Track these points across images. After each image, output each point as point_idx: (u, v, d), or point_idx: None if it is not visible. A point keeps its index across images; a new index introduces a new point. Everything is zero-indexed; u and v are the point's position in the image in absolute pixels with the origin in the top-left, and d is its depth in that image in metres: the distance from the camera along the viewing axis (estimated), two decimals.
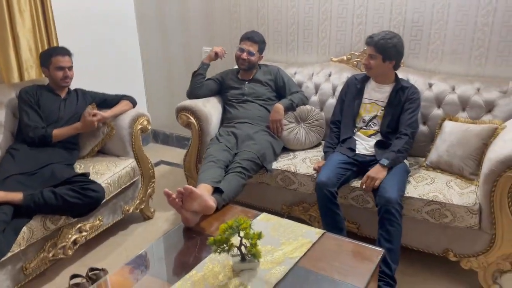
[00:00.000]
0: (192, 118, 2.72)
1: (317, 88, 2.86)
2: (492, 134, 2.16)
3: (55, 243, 2.18)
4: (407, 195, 2.10)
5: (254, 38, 2.77)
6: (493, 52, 2.47)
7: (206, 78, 2.90)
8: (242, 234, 1.54)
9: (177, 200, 1.81)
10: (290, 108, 2.67)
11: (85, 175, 2.23)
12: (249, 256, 1.58)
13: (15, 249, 1.93)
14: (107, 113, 2.52)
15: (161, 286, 1.57)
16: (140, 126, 2.64)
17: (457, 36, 2.54)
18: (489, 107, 2.35)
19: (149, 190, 2.78)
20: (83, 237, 2.33)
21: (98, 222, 2.41)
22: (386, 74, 2.35)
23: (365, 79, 2.45)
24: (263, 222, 1.91)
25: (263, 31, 3.17)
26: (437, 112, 2.48)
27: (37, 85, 2.52)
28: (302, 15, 3.00)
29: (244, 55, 2.74)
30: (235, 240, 1.57)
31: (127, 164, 2.56)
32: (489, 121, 2.27)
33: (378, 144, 2.30)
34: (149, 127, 2.72)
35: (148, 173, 2.74)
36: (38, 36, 2.76)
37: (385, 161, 2.14)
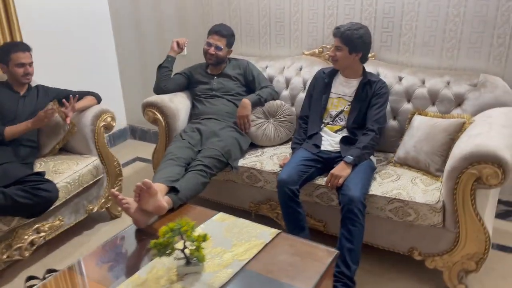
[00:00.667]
0: (158, 114, 2.65)
1: (287, 82, 2.78)
2: (460, 129, 2.09)
3: (10, 245, 2.11)
4: (371, 192, 2.03)
5: (222, 32, 2.69)
6: (465, 43, 2.39)
7: (175, 73, 2.83)
8: (184, 236, 1.48)
9: (124, 199, 1.73)
10: (258, 103, 2.59)
11: (40, 174, 2.17)
12: (194, 259, 1.52)
13: None
14: (77, 105, 2.44)
15: None
16: (103, 123, 2.57)
17: (429, 27, 2.46)
18: (459, 100, 2.28)
19: (115, 189, 2.71)
20: (42, 238, 2.26)
21: (58, 222, 2.35)
22: (353, 67, 2.28)
23: (333, 73, 2.37)
24: (217, 223, 1.85)
25: (235, 24, 3.09)
26: (407, 106, 2.40)
27: None
28: (273, 7, 2.91)
29: (212, 50, 2.66)
30: (181, 242, 1.51)
31: (89, 162, 2.49)
32: (457, 115, 2.19)
33: (343, 140, 2.23)
34: (114, 124, 2.64)
35: (114, 171, 2.67)
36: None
37: (349, 158, 2.07)
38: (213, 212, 1.94)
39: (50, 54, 3.17)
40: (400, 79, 2.43)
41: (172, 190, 1.97)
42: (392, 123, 2.44)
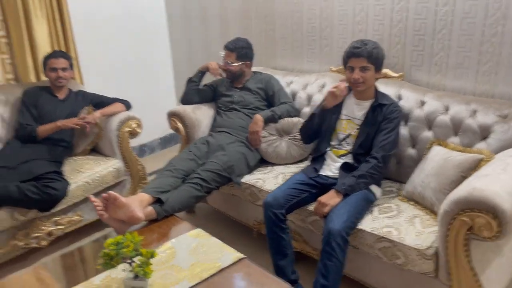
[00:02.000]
0: (179, 123, 2.75)
1: (309, 99, 2.67)
2: (475, 167, 1.81)
3: (28, 233, 2.35)
4: (360, 227, 1.87)
5: (229, 46, 2.69)
6: (504, 67, 2.07)
7: (204, 84, 2.89)
8: (131, 251, 1.52)
9: (98, 206, 1.83)
10: (271, 119, 2.53)
11: (58, 172, 2.38)
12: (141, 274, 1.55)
13: None
14: (97, 114, 2.65)
15: None
16: (128, 129, 2.73)
17: (462, 47, 2.18)
18: (485, 133, 1.98)
19: (139, 191, 2.85)
20: (60, 230, 2.48)
21: (77, 217, 2.56)
22: (372, 86, 2.11)
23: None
24: (190, 239, 1.85)
25: (270, 35, 3.06)
26: (427, 134, 2.15)
27: (40, 87, 2.74)
28: (305, 20, 2.83)
29: (223, 66, 2.70)
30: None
31: (110, 165, 2.67)
32: (477, 150, 1.91)
33: (344, 167, 2.08)
34: (139, 131, 2.79)
35: (137, 174, 2.83)
36: (55, 39, 3.01)
37: (339, 186, 1.93)
38: (191, 227, 1.95)
39: (106, 61, 3.48)
40: (423, 103, 2.19)
41: (158, 201, 2.03)
42: (410, 151, 2.21)
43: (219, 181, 2.29)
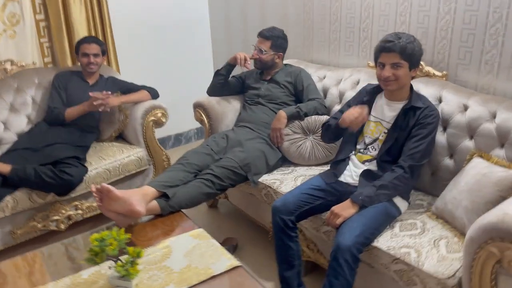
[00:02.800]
0: (203, 115, 2.66)
1: (341, 96, 2.46)
2: None
3: (47, 215, 2.39)
4: (376, 244, 1.66)
5: (265, 34, 2.52)
6: None
7: (232, 76, 2.77)
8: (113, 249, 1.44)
9: (97, 197, 1.77)
10: (296, 116, 2.36)
11: (78, 158, 2.38)
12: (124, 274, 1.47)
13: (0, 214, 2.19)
14: (118, 99, 2.62)
15: (44, 281, 1.57)
16: (152, 118, 2.68)
17: None
18: None
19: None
20: (79, 215, 2.50)
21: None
22: (405, 86, 1.87)
23: (375, 91, 2.00)
24: (189, 239, 1.75)
25: (308, 27, 2.87)
26: (468, 144, 1.88)
27: (72, 71, 2.77)
28: (344, 10, 2.60)
29: (254, 53, 2.53)
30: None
31: (133, 153, 2.64)
32: None
33: (365, 174, 1.87)
34: (164, 120, 2.74)
35: (161, 165, 2.78)
36: (92, 25, 3.03)
37: (356, 196, 1.73)
38: (193, 226, 1.85)
39: (144, 48, 3.46)
40: (466, 108, 1.91)
41: (165, 195, 1.95)
42: (447, 162, 1.95)
43: (234, 179, 2.17)
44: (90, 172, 2.43)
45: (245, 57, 2.57)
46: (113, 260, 1.47)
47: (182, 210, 1.98)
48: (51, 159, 2.30)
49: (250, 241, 2.48)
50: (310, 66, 2.73)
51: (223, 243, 2.42)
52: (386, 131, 1.91)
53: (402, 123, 1.86)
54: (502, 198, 1.53)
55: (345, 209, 1.72)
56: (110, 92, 2.54)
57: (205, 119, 2.64)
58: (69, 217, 2.46)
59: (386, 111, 1.93)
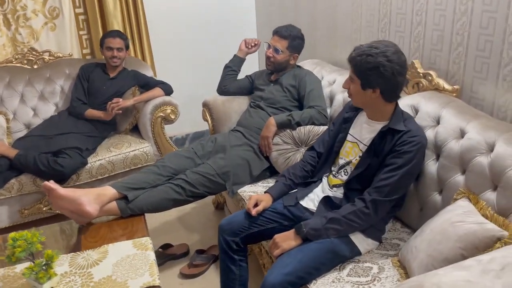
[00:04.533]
0: (208, 115, 2.57)
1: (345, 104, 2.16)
2: (485, 247, 1.19)
3: None
4: (312, 286, 1.43)
5: (282, 33, 2.30)
6: None
7: (245, 76, 2.63)
8: (28, 250, 1.45)
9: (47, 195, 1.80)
10: (287, 125, 2.14)
11: (79, 149, 2.47)
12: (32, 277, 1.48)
13: (6, 194, 2.39)
14: (129, 101, 2.66)
15: None
16: (161, 114, 2.69)
17: None
18: None
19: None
20: None
21: None
22: (374, 107, 1.58)
23: (358, 108, 1.71)
24: (129, 247, 1.69)
25: (332, 26, 2.59)
26: (459, 179, 1.50)
27: (97, 63, 2.89)
28: (365, 8, 2.27)
29: (269, 52, 2.33)
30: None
31: (139, 147, 2.68)
32: (502, 221, 1.24)
33: (325, 201, 1.62)
34: (173, 117, 2.73)
35: None
36: (127, 18, 3.12)
37: (301, 228, 1.50)
38: (144, 234, 1.79)
39: (180, 43, 3.46)
40: (462, 134, 1.53)
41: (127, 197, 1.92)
42: (435, 198, 1.60)
43: (209, 187, 2.06)
44: (94, 163, 2.53)
45: (255, 41, 2.47)
46: (31, 261, 1.49)
47: (145, 213, 1.95)
48: (56, 148, 2.44)
49: None
50: (325, 69, 2.46)
51: (207, 251, 2.35)
52: (361, 154, 1.62)
53: (378, 148, 1.56)
54: (462, 258, 1.20)
55: (286, 240, 1.51)
56: (120, 99, 2.62)
57: (208, 118, 2.56)
58: None
59: (364, 131, 1.64)
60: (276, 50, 2.31)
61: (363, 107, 1.64)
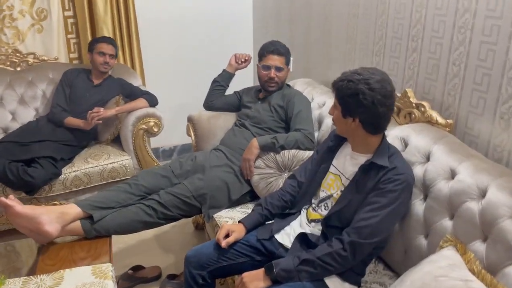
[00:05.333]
0: (191, 130, 2.46)
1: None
2: None
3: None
4: None
5: (280, 50, 2.22)
6: None
7: (234, 91, 2.52)
8: None
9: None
10: (270, 148, 2.01)
11: (53, 158, 2.35)
12: None
13: None
14: (110, 111, 2.55)
15: None
16: (143, 126, 2.57)
17: None
18: None
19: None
20: None
21: None
22: (355, 137, 1.46)
23: (343, 137, 1.59)
24: (88, 274, 1.56)
25: (327, 43, 2.47)
26: (446, 225, 1.37)
27: (81, 69, 2.78)
28: (361, 27, 2.16)
29: (272, 73, 2.21)
30: None
31: (118, 160, 2.56)
32: (490, 280, 1.10)
33: (300, 238, 1.49)
34: (156, 130, 2.61)
35: None
36: (117, 24, 3.02)
37: (271, 268, 1.37)
38: (105, 259, 1.66)
39: (171, 52, 3.35)
40: (453, 175, 1.40)
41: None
42: (420, 241, 1.47)
43: (184, 209, 1.94)
44: (69, 174, 2.41)
45: (245, 57, 2.43)
46: None
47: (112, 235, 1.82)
48: (28, 156, 2.32)
49: None
50: (316, 90, 2.35)
51: (180, 275, 2.22)
52: (342, 188, 1.50)
53: (360, 183, 1.43)
54: None
55: (253, 280, 1.38)
56: (102, 109, 2.50)
57: (192, 134, 2.44)
58: None
59: (348, 164, 1.52)
60: (278, 69, 2.21)
61: (346, 136, 1.52)
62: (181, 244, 2.54)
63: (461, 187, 1.35)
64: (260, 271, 1.40)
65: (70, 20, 3.00)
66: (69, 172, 2.42)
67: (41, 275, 1.56)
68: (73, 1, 2.94)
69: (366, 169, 1.42)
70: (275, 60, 2.21)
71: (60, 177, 2.38)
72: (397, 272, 1.56)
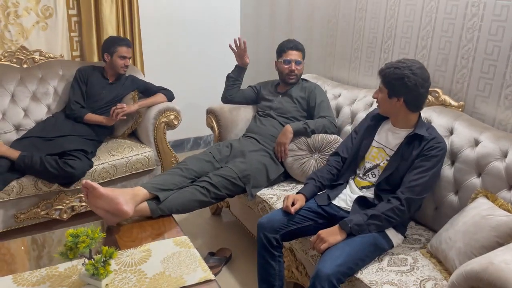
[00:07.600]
0: (214, 122, 2.65)
1: (353, 116, 2.38)
2: None
3: (51, 204, 2.45)
4: (359, 275, 1.58)
5: (298, 46, 2.52)
6: None
7: (249, 86, 2.76)
8: (90, 246, 1.45)
9: (84, 193, 1.79)
10: (302, 132, 2.30)
11: (85, 151, 2.42)
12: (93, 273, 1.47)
13: (5, 197, 2.26)
14: (133, 106, 2.67)
15: (24, 269, 1.59)
16: (164, 119, 2.71)
17: None
18: None
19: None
20: (82, 207, 2.55)
21: None
22: (398, 115, 1.79)
23: (382, 117, 1.92)
24: (171, 245, 1.73)
25: (330, 43, 2.81)
26: (475, 181, 1.75)
27: (94, 66, 2.84)
28: (368, 29, 2.53)
29: (293, 66, 2.49)
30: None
31: (141, 152, 2.67)
32: None
33: (359, 201, 1.79)
34: (176, 123, 2.76)
35: (170, 166, 2.79)
36: (121, 24, 3.11)
37: (346, 224, 1.65)
38: (179, 233, 1.83)
39: (172, 50, 3.51)
40: (477, 143, 1.79)
41: (157, 198, 1.94)
42: (451, 198, 1.83)
43: (231, 189, 2.14)
44: (97, 166, 2.48)
45: (237, 41, 2.62)
46: (86, 258, 1.48)
47: (173, 215, 1.98)
48: (59, 150, 2.36)
49: (245, 254, 2.44)
50: (327, 83, 2.67)
51: (217, 253, 2.40)
52: (388, 158, 1.82)
53: (405, 152, 1.77)
54: (498, 245, 1.42)
55: (331, 235, 1.64)
56: (125, 105, 2.62)
57: (215, 126, 2.64)
58: (72, 208, 2.51)
59: (390, 138, 1.85)
60: (298, 63, 2.49)
61: (388, 115, 1.84)
62: (203, 228, 2.72)
63: (486, 151, 1.73)
64: (335, 228, 1.67)
65: (74, 19, 3.04)
66: (97, 164, 2.49)
67: (127, 249, 1.69)
68: (78, 0, 2.99)
69: (411, 140, 1.76)
70: (294, 55, 2.50)
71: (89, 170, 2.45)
72: (428, 226, 1.92)
